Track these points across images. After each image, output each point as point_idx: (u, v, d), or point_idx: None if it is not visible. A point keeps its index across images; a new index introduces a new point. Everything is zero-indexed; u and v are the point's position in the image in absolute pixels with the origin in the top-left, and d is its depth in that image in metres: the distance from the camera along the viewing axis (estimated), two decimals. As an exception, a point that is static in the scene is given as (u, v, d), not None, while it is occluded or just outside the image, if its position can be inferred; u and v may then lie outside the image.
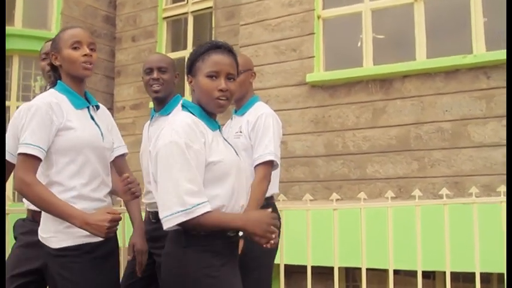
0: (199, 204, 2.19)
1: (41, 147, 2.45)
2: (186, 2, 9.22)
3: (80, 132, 2.55)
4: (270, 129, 3.18)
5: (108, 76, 9.62)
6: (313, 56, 6.59)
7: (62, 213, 2.41)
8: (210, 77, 2.35)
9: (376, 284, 5.91)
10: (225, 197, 2.32)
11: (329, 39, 6.73)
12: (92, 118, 2.67)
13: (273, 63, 6.83)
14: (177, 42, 9.48)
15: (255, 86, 6.79)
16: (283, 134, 6.40)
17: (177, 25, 9.50)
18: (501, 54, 5.50)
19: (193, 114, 2.37)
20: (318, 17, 6.69)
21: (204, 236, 2.28)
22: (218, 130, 2.46)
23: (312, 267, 4.04)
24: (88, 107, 2.68)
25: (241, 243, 2.73)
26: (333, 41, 6.76)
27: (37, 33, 8.82)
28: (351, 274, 6.42)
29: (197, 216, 2.19)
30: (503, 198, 3.88)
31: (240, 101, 3.38)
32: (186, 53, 9.02)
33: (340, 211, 4.03)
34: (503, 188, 3.89)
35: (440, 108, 5.82)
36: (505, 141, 5.39)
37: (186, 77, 2.47)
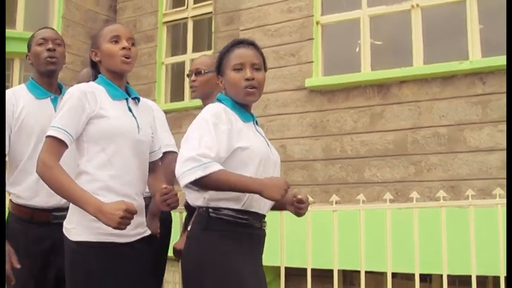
0: (213, 163, 2.26)
1: (68, 132, 2.41)
2: (186, 7, 9.31)
3: (113, 121, 2.50)
4: None
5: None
6: (312, 61, 6.69)
7: (77, 199, 2.33)
8: (236, 69, 2.47)
9: (373, 287, 5.99)
10: None
11: (328, 45, 6.83)
12: (130, 110, 2.62)
13: (272, 68, 6.90)
14: (177, 47, 9.57)
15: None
16: (282, 138, 6.56)
17: (177, 30, 9.59)
18: (497, 61, 5.61)
19: (226, 105, 2.48)
20: (317, 23, 6.79)
21: (226, 222, 2.36)
22: (252, 122, 2.55)
23: (311, 270, 4.11)
24: (127, 99, 2.64)
25: None
26: (332, 46, 6.86)
27: (38, 36, 8.89)
28: (348, 277, 6.50)
29: (214, 172, 2.24)
30: (500, 200, 3.97)
31: (206, 100, 3.37)
32: (185, 58, 9.12)
33: (339, 213, 4.11)
34: (499, 191, 3.98)
35: (437, 113, 5.92)
36: (501, 145, 5.50)
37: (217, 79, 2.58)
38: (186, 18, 9.30)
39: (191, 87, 3.46)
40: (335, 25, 6.86)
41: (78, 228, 2.42)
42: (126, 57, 2.58)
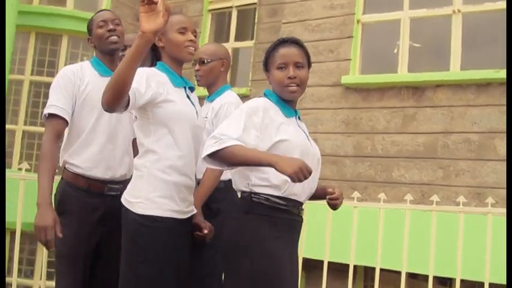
0: (230, 139, 2.41)
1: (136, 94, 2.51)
2: (231, -4, 9.45)
3: (179, 106, 2.68)
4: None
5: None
6: (350, 59, 6.78)
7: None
8: (280, 68, 2.61)
9: (392, 286, 6.08)
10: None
11: (366, 44, 6.90)
12: (188, 97, 2.80)
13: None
14: (220, 35, 9.71)
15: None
16: (315, 132, 6.66)
17: (221, 18, 9.73)
18: (534, 72, 5.61)
19: (271, 100, 2.64)
20: (358, 21, 6.87)
21: (266, 206, 2.50)
22: (294, 117, 2.69)
23: (331, 264, 4.25)
24: (185, 88, 2.81)
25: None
26: (370, 45, 6.94)
27: (87, 15, 9.04)
28: (369, 274, 6.60)
29: (229, 146, 2.39)
30: (518, 211, 4.03)
31: (211, 88, 3.50)
32: (228, 46, 9.26)
33: (360, 210, 4.24)
34: (518, 202, 4.04)
35: (469, 119, 5.95)
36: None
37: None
38: (231, 7, 9.43)
39: (196, 76, 3.55)
40: (375, 25, 6.93)
41: (145, 202, 2.59)
42: (191, 48, 2.78)
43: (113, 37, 3.12)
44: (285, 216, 2.54)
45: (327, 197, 2.73)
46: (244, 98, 8.45)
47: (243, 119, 2.49)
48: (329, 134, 6.73)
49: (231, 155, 2.41)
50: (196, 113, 2.81)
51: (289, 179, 2.32)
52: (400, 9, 6.65)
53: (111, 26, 3.13)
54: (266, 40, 8.60)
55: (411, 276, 6.01)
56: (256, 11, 8.99)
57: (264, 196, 2.52)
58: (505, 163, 5.68)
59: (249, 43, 9.12)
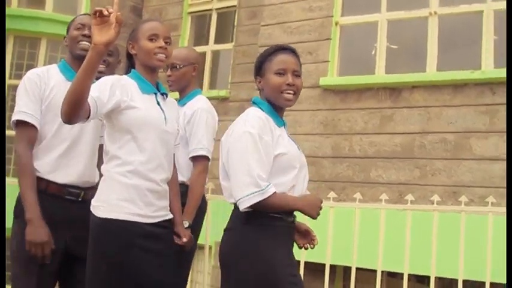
0: (269, 185, 2.46)
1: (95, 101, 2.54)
2: (211, -2, 9.48)
3: (143, 112, 2.69)
4: (203, 124, 3.35)
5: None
6: (328, 61, 6.82)
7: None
8: (278, 74, 2.62)
9: (371, 285, 6.12)
10: (286, 187, 2.56)
11: (345, 46, 6.96)
12: (158, 104, 2.81)
13: (289, 64, 7.05)
14: (200, 38, 9.73)
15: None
16: (293, 134, 6.69)
17: (201, 21, 9.75)
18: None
19: (262, 110, 2.62)
20: (336, 24, 6.92)
21: (263, 216, 2.53)
22: (283, 127, 2.70)
23: (309, 264, 4.29)
24: (156, 94, 2.83)
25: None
26: (348, 47, 7.00)
27: (66, 18, 9.04)
28: (349, 273, 6.62)
29: (269, 197, 2.44)
30: (492, 208, 4.09)
31: (182, 92, 3.56)
32: (207, 49, 9.28)
33: (336, 210, 4.28)
34: (491, 199, 4.10)
35: (446, 119, 6.02)
36: (505, 156, 5.60)
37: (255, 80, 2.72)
38: (211, 10, 9.44)
39: (168, 81, 3.58)
40: (353, 27, 6.99)
41: (105, 206, 2.62)
42: (162, 55, 2.79)
43: (84, 43, 3.07)
44: (281, 224, 2.57)
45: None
46: (223, 100, 8.53)
47: (260, 147, 2.49)
48: (307, 135, 6.77)
49: (270, 206, 2.49)
50: (165, 118, 2.80)
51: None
52: (378, 12, 6.71)
53: (86, 31, 3.08)
54: (246, 42, 8.64)
55: (389, 274, 6.08)
56: (236, 13, 9.02)
57: None
58: (480, 162, 5.76)
59: (228, 45, 9.14)
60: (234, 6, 9.08)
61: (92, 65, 2.35)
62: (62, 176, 2.99)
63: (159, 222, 2.74)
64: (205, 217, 3.68)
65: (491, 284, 4.02)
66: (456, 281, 4.09)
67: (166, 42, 2.81)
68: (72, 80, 3.03)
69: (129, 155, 2.66)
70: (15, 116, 2.94)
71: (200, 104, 3.43)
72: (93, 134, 3.08)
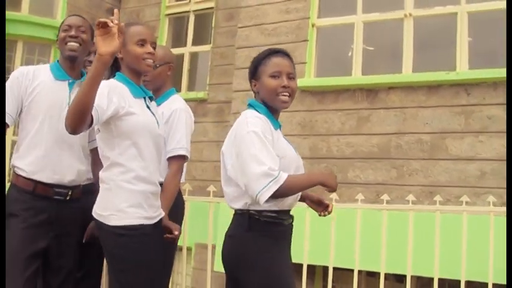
0: (280, 172, 2.46)
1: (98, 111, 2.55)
2: (189, 0, 9.45)
3: (141, 117, 2.73)
4: (182, 124, 3.36)
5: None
6: (305, 62, 6.85)
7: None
8: (273, 76, 2.66)
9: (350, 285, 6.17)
10: None
11: (321, 47, 7.00)
12: (148, 108, 2.86)
13: (266, 66, 7.08)
14: (178, 39, 9.73)
15: (248, 87, 7.07)
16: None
17: (178, 22, 9.75)
18: (482, 73, 5.80)
19: (259, 112, 2.66)
20: (313, 25, 6.96)
21: (266, 223, 2.57)
22: (279, 129, 2.76)
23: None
24: (144, 98, 2.87)
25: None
26: (325, 49, 7.04)
27: (42, 20, 9.05)
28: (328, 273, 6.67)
29: (284, 182, 2.45)
30: (466, 207, 4.16)
31: (157, 92, 3.53)
32: (185, 50, 9.29)
33: (312, 210, 4.29)
34: (465, 199, 4.17)
35: (421, 120, 6.09)
36: (480, 155, 5.69)
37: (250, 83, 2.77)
38: (188, 11, 9.44)
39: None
40: (330, 28, 7.04)
41: (117, 214, 2.65)
42: (150, 61, 2.83)
43: (71, 44, 3.13)
44: (281, 229, 2.62)
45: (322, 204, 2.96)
46: (202, 101, 8.54)
47: (265, 142, 2.52)
48: (286, 136, 6.77)
49: (289, 190, 2.50)
50: (157, 122, 2.86)
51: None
52: (354, 14, 6.76)
53: (73, 32, 3.15)
54: (223, 44, 8.66)
55: (369, 274, 6.13)
56: (213, 15, 9.03)
57: (263, 213, 2.58)
58: (456, 162, 5.84)
59: (206, 47, 9.15)
60: (212, 8, 9.09)
61: (98, 75, 2.39)
62: (49, 175, 3.01)
63: (158, 221, 2.81)
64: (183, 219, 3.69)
65: (467, 282, 4.08)
66: (430, 279, 4.15)
67: (153, 47, 2.86)
68: (61, 79, 3.06)
69: (131, 161, 2.70)
70: None
71: (178, 104, 3.44)
72: (82, 134, 3.08)
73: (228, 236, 2.67)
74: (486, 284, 4.07)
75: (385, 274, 4.26)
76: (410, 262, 4.14)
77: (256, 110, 2.68)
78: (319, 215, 2.92)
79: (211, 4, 9.10)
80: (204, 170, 8.07)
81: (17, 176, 3.04)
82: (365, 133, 6.35)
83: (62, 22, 3.24)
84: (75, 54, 3.18)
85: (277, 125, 2.75)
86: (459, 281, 4.10)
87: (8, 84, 3.05)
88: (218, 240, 5.97)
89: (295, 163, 2.67)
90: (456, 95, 5.97)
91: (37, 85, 3.06)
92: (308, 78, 6.81)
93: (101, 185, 2.75)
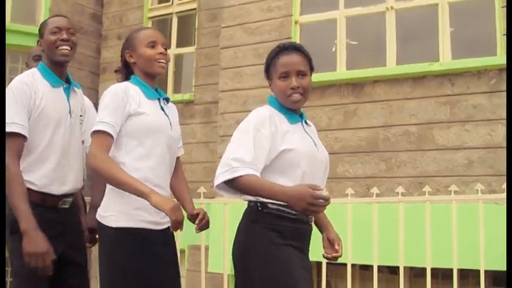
0: (242, 167, 2.43)
1: (114, 127, 2.61)
2: (171, 2, 9.46)
3: (151, 118, 2.72)
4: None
5: (94, 72, 9.85)
6: (290, 60, 6.87)
7: (134, 189, 2.49)
8: (282, 78, 2.65)
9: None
10: (296, 183, 2.48)
11: (305, 44, 6.84)
12: (162, 109, 2.84)
13: (251, 65, 7.11)
14: (162, 42, 9.71)
15: (235, 87, 7.12)
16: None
17: (162, 25, 9.72)
18: (465, 63, 5.85)
19: (274, 108, 2.66)
20: (296, 23, 6.99)
21: (273, 215, 2.52)
22: (300, 123, 2.72)
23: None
24: (159, 99, 2.85)
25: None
26: (309, 45, 6.90)
27: (25, 28, 9.01)
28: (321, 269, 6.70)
29: (240, 177, 2.42)
30: (455, 197, 4.20)
31: None
32: (170, 52, 9.23)
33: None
34: (454, 188, 4.21)
35: (408, 112, 6.13)
36: (466, 144, 5.74)
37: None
38: (171, 13, 9.45)
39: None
40: (313, 25, 7.07)
41: (118, 215, 2.63)
42: (163, 62, 2.82)
43: (64, 47, 3.00)
44: (292, 225, 2.54)
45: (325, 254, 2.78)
46: (188, 103, 8.55)
47: (251, 135, 2.50)
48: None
49: (246, 187, 2.44)
50: (170, 124, 2.84)
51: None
52: (336, 9, 6.80)
53: (65, 35, 3.01)
54: (207, 45, 8.67)
55: (362, 267, 6.16)
56: (196, 16, 9.03)
57: (271, 205, 2.53)
58: (443, 152, 5.88)
59: (190, 49, 9.16)
60: (194, 9, 9.09)
61: (135, 194, 2.50)
62: (58, 187, 2.97)
63: (166, 228, 2.76)
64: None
65: (459, 270, 4.12)
66: (423, 269, 4.19)
67: (164, 49, 2.85)
68: (57, 85, 2.99)
69: (137, 161, 2.67)
70: (10, 128, 2.83)
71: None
72: (79, 139, 3.09)
73: (237, 228, 2.66)
74: (478, 271, 4.12)
75: (378, 266, 4.28)
76: (402, 253, 4.17)
77: (272, 106, 2.68)
78: (323, 255, 2.76)
79: (194, 5, 9.11)
80: (193, 171, 8.08)
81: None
82: (352, 127, 6.39)
83: (45, 22, 3.08)
84: (67, 59, 3.07)
85: (297, 119, 2.70)
86: (452, 270, 4.13)
87: (13, 95, 2.89)
88: (211, 241, 6.01)
89: (306, 156, 2.58)
90: (441, 85, 6.02)
91: (42, 96, 2.94)
92: (293, 75, 6.82)
93: (107, 185, 2.72)
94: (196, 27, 8.96)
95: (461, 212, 4.19)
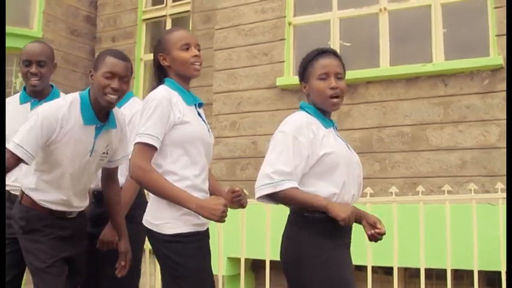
0: (284, 180, 2.49)
1: (159, 139, 2.61)
2: (165, 5, 9.46)
3: (194, 127, 2.71)
4: None
5: (88, 75, 9.82)
6: (284, 61, 6.90)
7: (178, 198, 2.55)
8: (321, 79, 2.69)
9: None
10: (337, 186, 2.59)
11: (299, 45, 7.04)
12: (199, 114, 2.83)
13: (245, 66, 7.12)
14: (156, 44, 9.72)
15: (229, 88, 7.14)
16: (254, 135, 6.76)
17: (155, 27, 9.73)
18: (458, 64, 5.88)
19: (308, 113, 2.69)
20: (289, 24, 7.00)
21: (318, 220, 2.55)
22: (332, 128, 2.76)
23: (276, 263, 4.32)
24: (195, 105, 2.83)
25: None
26: (303, 47, 7.06)
27: (19, 31, 8.99)
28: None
29: (282, 190, 2.49)
30: (448, 196, 4.22)
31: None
32: (164, 55, 9.28)
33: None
34: (447, 187, 4.23)
35: (401, 113, 6.15)
36: (460, 145, 5.76)
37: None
38: (165, 16, 9.44)
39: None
40: (306, 26, 7.08)
41: (172, 222, 2.64)
42: (197, 65, 2.80)
43: (111, 96, 2.94)
44: (335, 226, 2.55)
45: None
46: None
47: (290, 145, 2.54)
48: (268, 135, 6.68)
49: (287, 200, 2.54)
50: (208, 130, 2.85)
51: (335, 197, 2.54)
52: (329, 10, 6.82)
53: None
54: (201, 47, 8.48)
55: (357, 268, 6.17)
56: (190, 18, 9.04)
57: (315, 211, 2.56)
58: (437, 152, 5.90)
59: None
60: (188, 11, 9.09)
61: (184, 205, 2.56)
62: (66, 208, 3.08)
63: (207, 228, 2.81)
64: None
65: (453, 270, 4.14)
66: (417, 269, 4.20)
67: (198, 50, 2.83)
68: (88, 124, 2.98)
69: (184, 169, 2.67)
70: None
71: (138, 106, 3.36)
72: (93, 172, 3.16)
73: (284, 237, 2.69)
74: (472, 272, 4.14)
75: (373, 267, 4.30)
76: (396, 254, 4.19)
77: (306, 111, 2.71)
78: (369, 237, 2.76)
79: (188, 7, 9.11)
80: (188, 173, 8.07)
81: (33, 201, 3.02)
82: (346, 128, 6.39)
83: (103, 58, 3.04)
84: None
85: (330, 124, 2.75)
86: (446, 270, 4.15)
87: (41, 123, 2.89)
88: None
89: (344, 159, 2.63)
90: (434, 86, 6.05)
91: (67, 132, 2.94)
92: (287, 77, 6.85)
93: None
94: (190, 29, 8.95)
95: (454, 212, 4.21)
